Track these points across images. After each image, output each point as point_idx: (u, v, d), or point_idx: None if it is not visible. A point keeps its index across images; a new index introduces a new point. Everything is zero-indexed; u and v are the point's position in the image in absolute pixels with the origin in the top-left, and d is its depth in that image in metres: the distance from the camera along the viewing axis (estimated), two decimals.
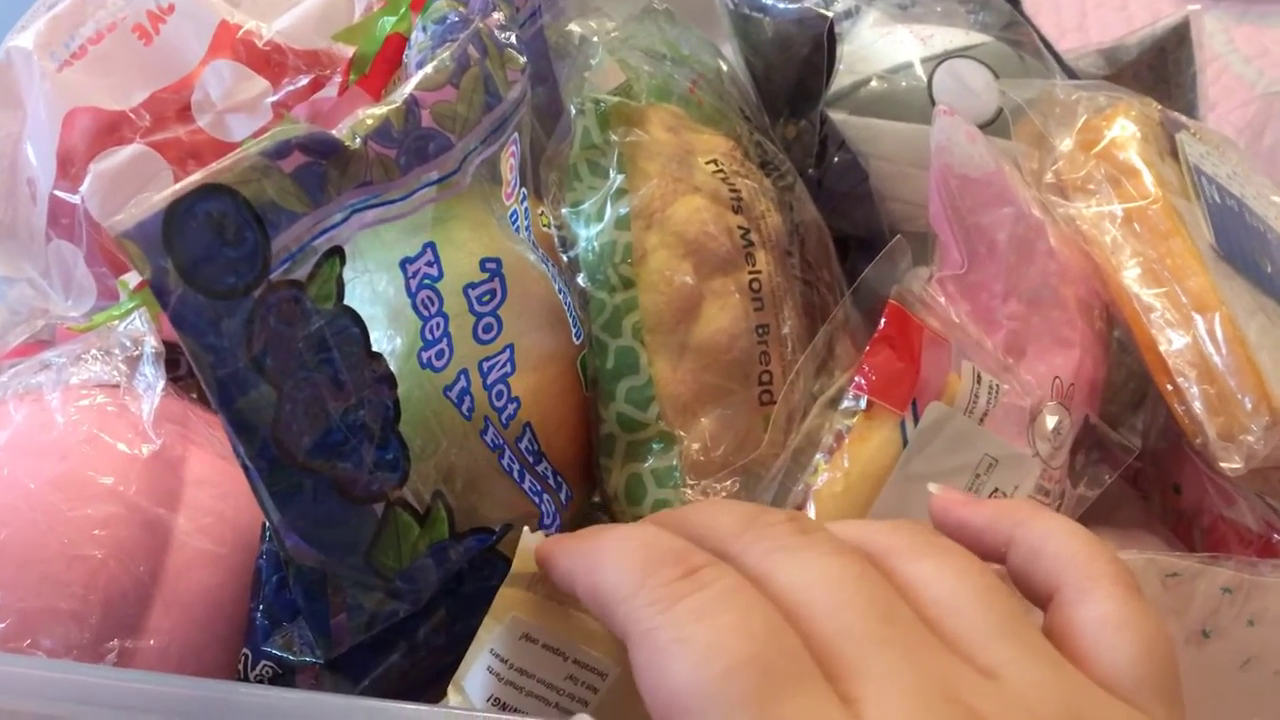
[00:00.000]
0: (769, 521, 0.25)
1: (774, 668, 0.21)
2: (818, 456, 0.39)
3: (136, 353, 0.41)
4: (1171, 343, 0.43)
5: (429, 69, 0.36)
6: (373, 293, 0.36)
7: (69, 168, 0.47)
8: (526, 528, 0.30)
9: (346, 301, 0.34)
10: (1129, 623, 0.24)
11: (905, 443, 0.38)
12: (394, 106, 0.34)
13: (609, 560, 0.25)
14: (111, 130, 0.47)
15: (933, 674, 0.21)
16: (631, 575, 0.24)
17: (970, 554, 0.25)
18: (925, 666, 0.21)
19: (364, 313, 0.34)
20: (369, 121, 0.33)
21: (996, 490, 0.40)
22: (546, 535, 0.31)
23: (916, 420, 0.39)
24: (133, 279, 0.44)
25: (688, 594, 0.22)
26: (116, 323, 0.42)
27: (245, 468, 0.32)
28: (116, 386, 0.40)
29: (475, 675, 0.30)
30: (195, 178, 0.29)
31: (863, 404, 0.39)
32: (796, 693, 0.21)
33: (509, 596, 0.29)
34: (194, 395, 0.44)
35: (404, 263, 0.36)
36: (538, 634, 0.29)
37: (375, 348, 0.35)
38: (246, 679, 0.38)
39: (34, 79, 0.48)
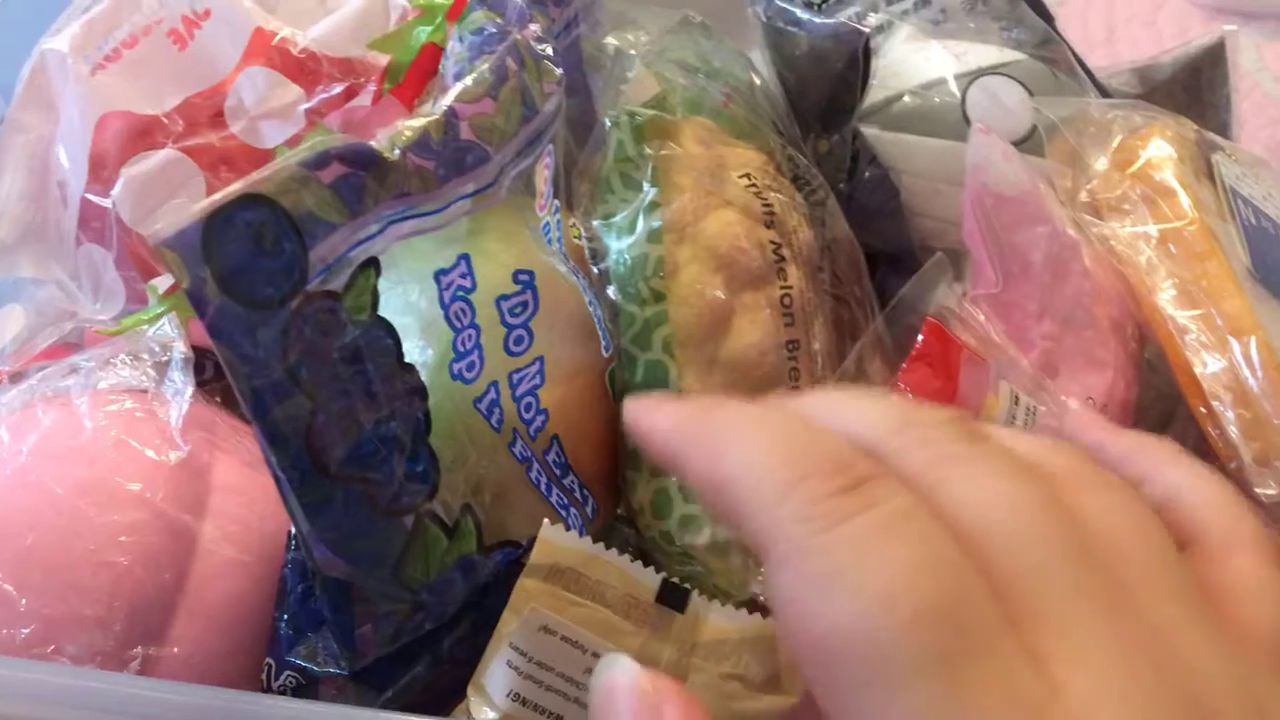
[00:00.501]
0: (930, 421, 0.21)
1: (964, 620, 0.17)
2: None
3: (165, 358, 0.41)
4: (1207, 366, 0.42)
5: (468, 81, 0.36)
6: (405, 303, 0.36)
7: (101, 171, 0.47)
8: (546, 519, 0.30)
9: (380, 312, 0.33)
10: (1275, 584, 0.22)
11: None
12: (433, 118, 0.34)
13: (744, 450, 0.20)
14: (144, 134, 0.47)
15: (1134, 635, 0.18)
16: (777, 476, 0.19)
17: (1134, 490, 0.22)
18: (1126, 624, 0.18)
19: (396, 323, 0.34)
20: (408, 133, 0.33)
21: None
22: (566, 530, 0.31)
23: None
24: (162, 283, 0.44)
25: (853, 514, 0.18)
26: (145, 327, 0.42)
27: (277, 478, 0.31)
28: (145, 392, 0.40)
29: (495, 671, 0.30)
30: (235, 187, 0.29)
31: None
32: (988, 652, 0.17)
33: (527, 588, 0.29)
34: (218, 399, 0.44)
35: (438, 274, 0.36)
36: (556, 626, 0.29)
37: (407, 359, 0.34)
38: (270, 689, 0.38)
39: (67, 82, 0.48)
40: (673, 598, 0.32)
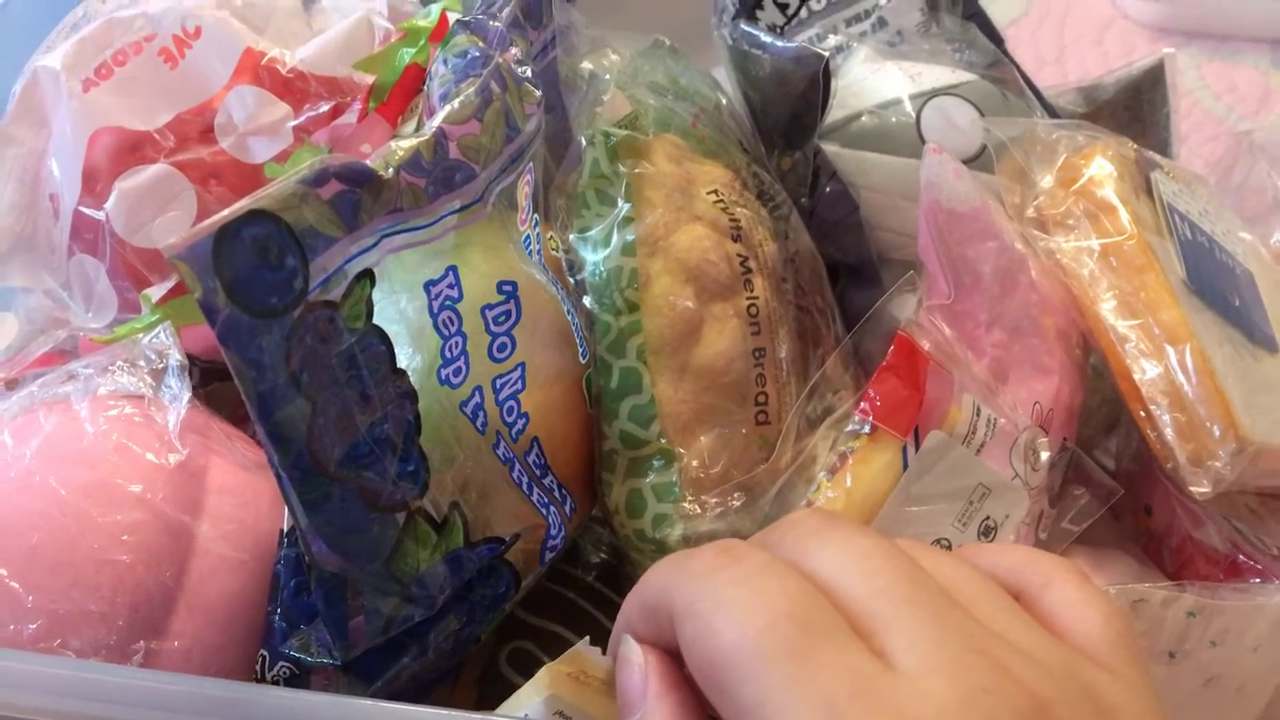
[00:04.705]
0: (795, 518, 0.28)
1: (810, 622, 0.23)
2: (821, 475, 0.41)
3: (161, 365, 0.42)
4: (1145, 372, 0.44)
5: (455, 104, 0.38)
6: (397, 312, 0.38)
7: (93, 185, 0.49)
8: (587, 638, 0.31)
9: (374, 321, 0.35)
10: (1090, 599, 0.27)
11: (906, 466, 0.40)
12: (424, 139, 0.36)
13: (649, 577, 0.27)
14: (135, 149, 0.49)
15: (960, 630, 0.23)
16: (671, 570, 0.26)
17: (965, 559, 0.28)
18: (953, 624, 0.24)
19: (389, 331, 0.36)
20: (400, 153, 0.35)
21: (988, 518, 0.42)
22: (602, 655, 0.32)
23: (918, 446, 0.41)
24: (155, 293, 0.46)
25: (726, 567, 0.25)
26: (141, 335, 0.43)
27: (279, 477, 0.33)
28: (142, 397, 0.42)
29: None
30: (242, 204, 0.31)
31: (867, 428, 0.41)
32: (832, 645, 0.23)
33: (555, 672, 0.30)
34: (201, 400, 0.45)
35: (428, 285, 0.38)
36: (572, 713, 0.30)
37: (398, 365, 0.36)
38: (264, 679, 0.40)
39: (60, 98, 0.49)
40: None
